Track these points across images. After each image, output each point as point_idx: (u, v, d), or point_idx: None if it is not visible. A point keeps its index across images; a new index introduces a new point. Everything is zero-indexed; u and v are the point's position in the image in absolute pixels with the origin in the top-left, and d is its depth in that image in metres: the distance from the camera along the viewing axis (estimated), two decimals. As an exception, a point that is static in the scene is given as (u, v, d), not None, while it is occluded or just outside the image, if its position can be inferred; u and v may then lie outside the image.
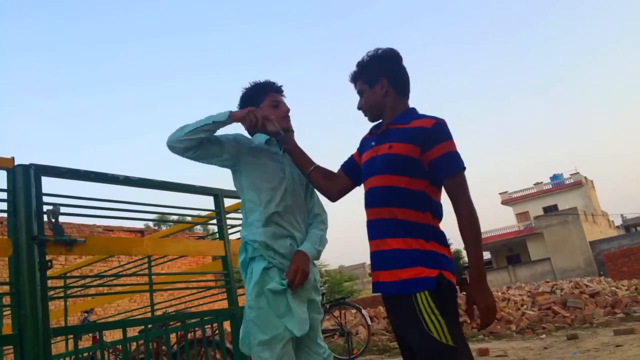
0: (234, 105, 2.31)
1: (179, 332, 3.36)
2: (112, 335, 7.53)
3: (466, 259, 1.81)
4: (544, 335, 7.46)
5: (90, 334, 5.52)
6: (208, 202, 3.07)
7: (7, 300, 3.50)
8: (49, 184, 2.21)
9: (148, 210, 2.70)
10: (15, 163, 2.11)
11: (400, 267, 1.76)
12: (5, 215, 2.07)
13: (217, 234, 3.08)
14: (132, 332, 4.43)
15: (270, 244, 2.06)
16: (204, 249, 3.35)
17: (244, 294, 2.19)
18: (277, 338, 1.97)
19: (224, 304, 2.99)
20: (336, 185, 2.16)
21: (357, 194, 2.22)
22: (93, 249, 2.45)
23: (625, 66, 71.70)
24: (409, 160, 1.81)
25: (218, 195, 3.06)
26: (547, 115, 72.11)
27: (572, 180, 39.95)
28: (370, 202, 1.91)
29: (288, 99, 2.31)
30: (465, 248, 1.76)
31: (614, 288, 12.27)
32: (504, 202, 42.20)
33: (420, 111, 1.96)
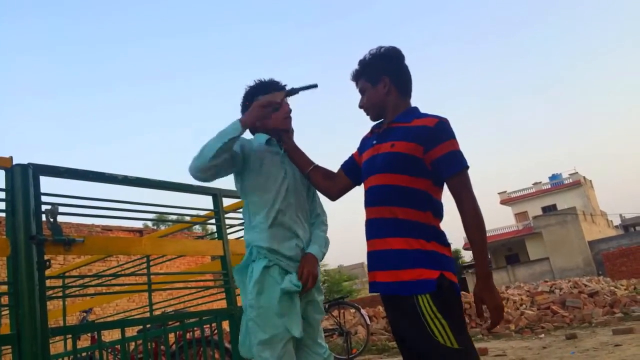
0: (233, 105, 2.30)
1: (177, 332, 3.36)
2: (111, 335, 7.52)
3: (465, 258, 1.81)
4: (542, 335, 7.47)
5: (89, 334, 5.51)
6: (207, 202, 3.07)
7: (5, 300, 3.48)
8: (47, 183, 2.21)
9: (147, 210, 2.69)
10: (14, 162, 2.11)
11: (402, 268, 1.74)
12: (3, 214, 2.06)
13: (216, 234, 3.08)
14: (131, 331, 4.43)
15: (277, 248, 2.05)
16: (203, 248, 3.34)
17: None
18: (278, 337, 1.97)
19: (223, 304, 2.99)
20: (336, 184, 2.15)
21: (356, 194, 2.21)
22: (91, 249, 2.44)
23: (625, 66, 71.81)
24: (411, 159, 1.80)
25: (217, 195, 3.06)
26: (547, 115, 72.17)
27: (571, 180, 39.97)
28: (371, 200, 1.89)
29: (289, 99, 2.30)
30: (471, 247, 1.74)
31: (612, 288, 12.28)
32: (503, 202, 42.22)
33: (422, 110, 1.95)
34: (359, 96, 2.04)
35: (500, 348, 6.50)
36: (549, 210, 38.58)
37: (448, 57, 77.02)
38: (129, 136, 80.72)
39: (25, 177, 2.10)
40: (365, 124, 2.09)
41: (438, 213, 1.85)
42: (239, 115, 2.13)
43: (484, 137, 77.05)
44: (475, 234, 1.74)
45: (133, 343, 4.24)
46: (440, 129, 1.80)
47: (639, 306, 8.80)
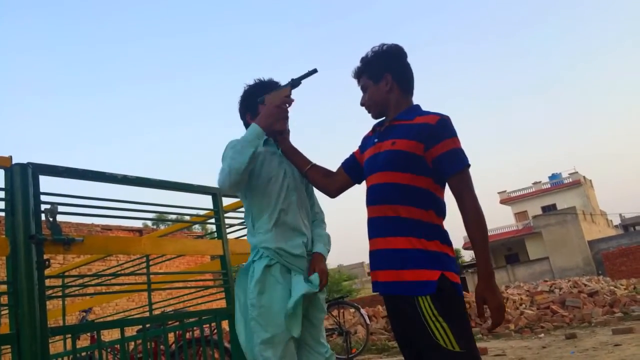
0: (233, 105, 2.29)
1: (177, 332, 3.35)
2: (110, 335, 7.52)
3: (465, 258, 1.79)
4: (542, 335, 7.47)
5: (88, 334, 5.51)
6: (206, 201, 3.07)
7: (4, 299, 3.48)
8: (46, 183, 2.20)
9: (146, 210, 2.69)
10: (13, 162, 2.10)
11: (403, 268, 1.73)
12: (2, 214, 2.06)
13: (216, 233, 3.07)
14: (130, 331, 4.44)
15: (284, 247, 2.05)
16: (202, 248, 3.34)
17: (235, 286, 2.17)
18: (280, 336, 1.96)
19: (223, 304, 2.99)
20: (335, 182, 2.14)
21: (356, 192, 2.21)
22: (91, 248, 2.44)
23: (625, 66, 71.82)
24: (412, 157, 1.78)
25: (216, 194, 3.05)
26: (547, 115, 72.21)
27: (570, 180, 39.98)
28: (373, 199, 1.87)
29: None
30: (472, 247, 1.72)
31: (612, 287, 12.29)
32: (503, 202, 42.22)
33: (423, 109, 1.93)
34: (359, 95, 2.03)
35: (500, 348, 6.50)
36: (549, 209, 38.59)
37: (448, 57, 77.08)
38: (129, 136, 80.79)
39: (25, 176, 2.09)
40: (365, 123, 2.08)
41: (441, 211, 1.83)
42: (237, 115, 2.13)
43: (484, 137, 77.13)
44: (476, 233, 1.71)
45: (132, 343, 4.24)
46: (442, 127, 1.78)
47: (638, 306, 8.80)
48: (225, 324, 3.03)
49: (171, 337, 3.75)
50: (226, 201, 3.13)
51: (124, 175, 2.55)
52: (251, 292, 2.02)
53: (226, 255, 2.97)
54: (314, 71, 2.07)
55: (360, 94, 2.02)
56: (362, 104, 2.02)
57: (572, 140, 75.01)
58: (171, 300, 3.77)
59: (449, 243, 1.79)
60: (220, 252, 2.98)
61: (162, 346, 3.66)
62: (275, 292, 2.01)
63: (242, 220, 3.22)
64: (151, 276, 3.31)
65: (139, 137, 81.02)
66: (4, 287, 2.10)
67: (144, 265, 3.72)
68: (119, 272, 3.92)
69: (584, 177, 40.24)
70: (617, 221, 43.03)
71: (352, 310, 7.76)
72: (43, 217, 2.12)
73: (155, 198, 2.94)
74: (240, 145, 1.96)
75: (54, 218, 2.14)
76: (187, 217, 4.17)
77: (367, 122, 2.07)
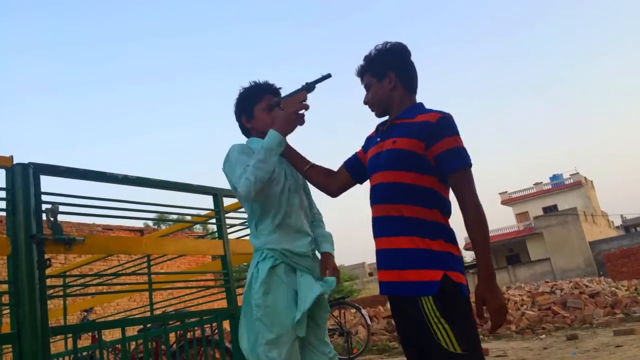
0: (232, 105, 2.28)
1: (178, 332, 3.36)
2: (112, 335, 7.53)
3: (466, 258, 1.77)
4: (543, 336, 7.46)
5: (90, 333, 5.51)
6: (207, 202, 3.07)
7: (6, 299, 3.49)
8: (47, 182, 2.21)
9: (147, 210, 2.70)
10: (14, 162, 2.11)
11: (406, 268, 1.72)
12: (4, 214, 2.06)
13: (217, 233, 3.08)
14: (132, 331, 4.43)
15: (289, 248, 2.05)
16: (203, 248, 3.34)
17: (242, 294, 2.17)
18: (285, 337, 1.96)
19: (224, 304, 2.99)
20: (336, 181, 2.13)
21: (357, 192, 2.21)
22: (92, 248, 2.44)
23: (625, 66, 71.74)
24: (414, 155, 1.76)
25: (217, 194, 3.06)
26: (547, 115, 72.13)
27: (571, 181, 39.96)
28: (376, 198, 1.86)
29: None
30: (473, 247, 1.69)
31: (613, 288, 12.27)
32: (504, 202, 42.21)
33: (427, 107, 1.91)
34: (359, 95, 2.02)
35: (501, 349, 6.49)
36: (550, 210, 38.57)
37: (448, 57, 77.03)
38: (129, 136, 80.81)
39: (26, 176, 2.10)
40: (365, 124, 2.07)
41: (446, 210, 1.80)
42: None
43: (484, 137, 77.07)
44: (477, 233, 1.69)
45: (134, 342, 4.24)
46: (442, 125, 1.76)
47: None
48: (226, 324, 3.03)
49: (172, 337, 3.75)
50: (227, 201, 3.13)
51: (124, 175, 2.55)
52: (256, 293, 2.01)
53: (227, 256, 2.97)
54: (328, 76, 2.03)
55: (364, 92, 2.01)
56: (365, 103, 2.00)
57: (572, 141, 75.07)
58: (172, 300, 3.77)
59: (454, 242, 1.77)
60: (221, 252, 2.98)
61: (163, 346, 3.66)
62: (280, 292, 2.01)
63: (243, 221, 3.22)
64: (152, 276, 3.31)
65: (139, 137, 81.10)
66: (5, 287, 2.10)
67: (145, 265, 3.72)
68: (120, 272, 3.93)
69: (585, 177, 40.22)
70: (618, 222, 43.03)
71: (353, 310, 7.76)
72: (44, 216, 2.12)
73: (156, 198, 2.95)
74: (264, 154, 1.94)
75: (55, 218, 2.15)
76: (188, 217, 4.18)
77: (366, 123, 2.07)
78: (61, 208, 2.18)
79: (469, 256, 38.79)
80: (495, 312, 1.64)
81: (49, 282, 2.11)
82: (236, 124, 2.30)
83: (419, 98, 1.96)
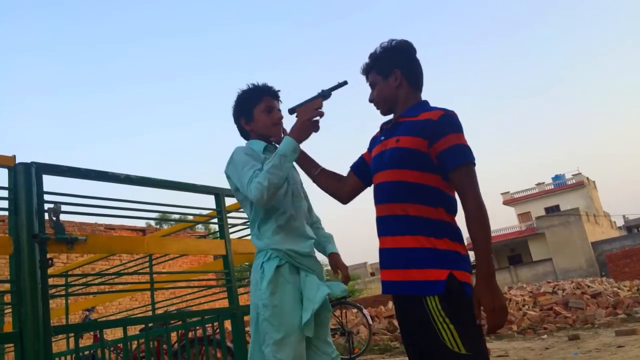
0: (230, 105, 2.28)
1: (179, 331, 3.36)
2: (113, 334, 7.54)
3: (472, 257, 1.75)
4: (545, 336, 7.45)
5: (91, 333, 5.52)
6: (209, 201, 3.08)
7: (8, 298, 3.50)
8: (50, 182, 2.21)
9: (149, 209, 2.70)
10: (17, 161, 2.11)
11: (411, 267, 1.70)
12: (6, 213, 2.07)
13: (218, 233, 3.08)
14: (133, 330, 4.44)
15: (294, 249, 2.06)
16: (205, 247, 3.35)
17: (244, 293, 2.17)
18: (292, 337, 1.96)
19: (225, 303, 2.99)
20: (346, 186, 2.09)
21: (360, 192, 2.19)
22: (94, 248, 2.45)
23: (625, 66, 71.57)
24: (417, 153, 1.74)
25: (219, 194, 3.06)
26: (548, 115, 72.02)
27: (574, 181, 39.89)
28: (380, 197, 1.85)
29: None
30: (473, 245, 1.67)
31: (615, 289, 12.25)
32: (506, 203, 42.16)
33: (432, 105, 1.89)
34: (360, 95, 2.01)
35: (503, 349, 6.48)
36: (552, 210, 38.50)
37: (448, 57, 76.89)
38: (129, 136, 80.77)
39: (28, 175, 2.10)
40: (365, 124, 2.07)
41: (452, 208, 1.78)
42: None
43: (485, 137, 76.87)
44: (478, 232, 1.66)
45: (135, 342, 4.25)
46: (444, 122, 1.74)
47: (642, 307, 8.77)
48: (227, 324, 3.03)
49: (174, 336, 3.75)
50: (229, 201, 3.14)
51: (126, 175, 2.56)
52: (263, 293, 2.00)
53: (229, 255, 2.98)
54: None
55: (369, 90, 1.98)
56: (370, 101, 1.98)
57: (572, 141, 74.88)
58: (174, 299, 3.78)
59: (460, 240, 1.75)
60: (223, 252, 2.99)
61: (164, 345, 3.66)
62: (286, 292, 2.01)
63: (245, 220, 3.22)
64: (154, 275, 3.32)
65: (139, 137, 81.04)
66: (7, 286, 2.11)
67: (147, 264, 3.73)
68: (122, 272, 3.94)
69: (587, 178, 40.15)
70: (620, 222, 42.94)
71: (355, 310, 7.76)
72: (46, 216, 2.13)
73: (158, 198, 2.96)
74: (279, 160, 1.94)
75: (57, 217, 2.15)
76: (190, 217, 4.18)
77: (367, 123, 2.06)
78: (63, 207, 2.18)
79: (470, 256, 38.73)
80: (492, 312, 1.61)
81: (51, 281, 2.12)
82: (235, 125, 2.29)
83: (424, 96, 1.95)
